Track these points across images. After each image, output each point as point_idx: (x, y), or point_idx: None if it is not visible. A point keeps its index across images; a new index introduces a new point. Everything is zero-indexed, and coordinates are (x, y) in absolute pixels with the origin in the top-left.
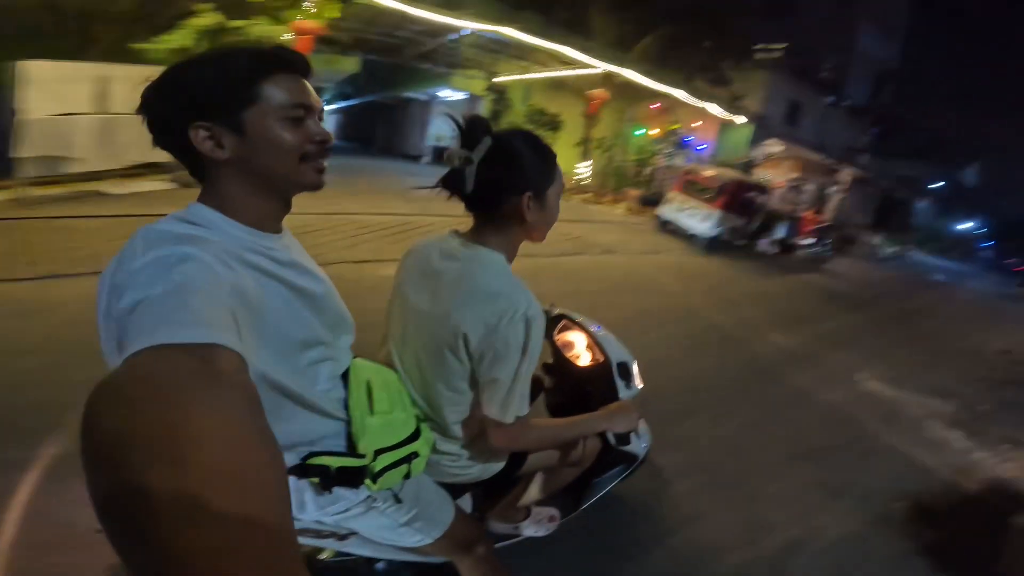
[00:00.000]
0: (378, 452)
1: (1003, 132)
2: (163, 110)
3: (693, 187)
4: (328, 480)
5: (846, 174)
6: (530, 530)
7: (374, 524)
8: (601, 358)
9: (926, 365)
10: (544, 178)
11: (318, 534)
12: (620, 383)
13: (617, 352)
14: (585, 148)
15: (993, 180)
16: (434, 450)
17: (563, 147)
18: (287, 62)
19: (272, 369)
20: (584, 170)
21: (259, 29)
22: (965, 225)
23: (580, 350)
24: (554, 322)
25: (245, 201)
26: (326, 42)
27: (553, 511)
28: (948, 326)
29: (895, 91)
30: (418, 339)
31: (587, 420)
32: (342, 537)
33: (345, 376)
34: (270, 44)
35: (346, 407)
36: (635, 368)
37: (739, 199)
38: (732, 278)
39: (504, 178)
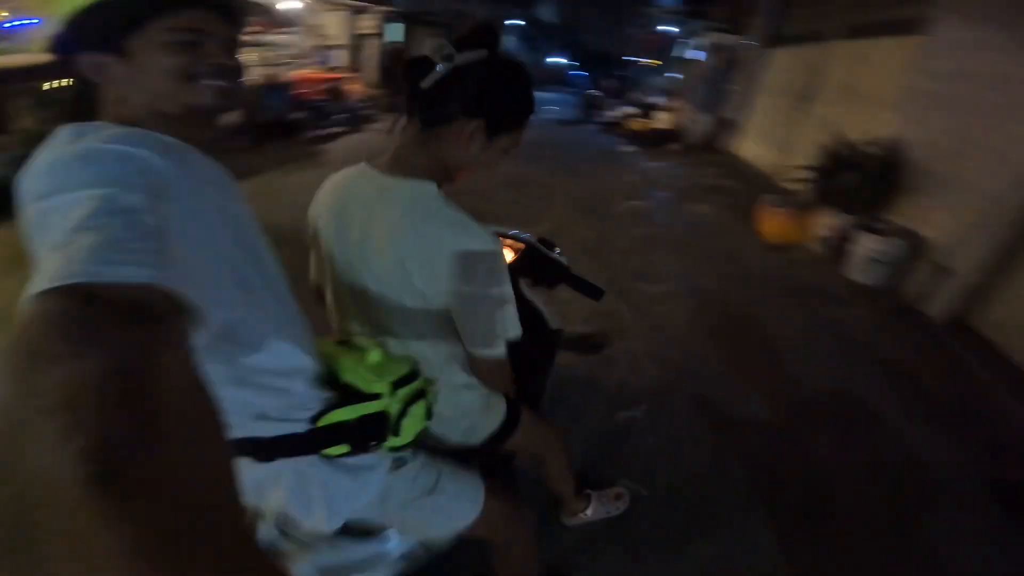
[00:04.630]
0: (395, 385)
1: None
2: (62, 40)
3: None
4: (355, 438)
5: (367, 19)
6: (600, 513)
7: (400, 500)
8: (521, 245)
9: None
10: (506, 119)
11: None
12: (552, 253)
13: (525, 234)
14: None
15: (572, 16)
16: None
17: None
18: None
19: (241, 262)
20: None
21: None
22: (556, 59)
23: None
24: None
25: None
26: None
27: (619, 489)
28: None
29: None
30: (370, 282)
31: None
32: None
33: None
34: None
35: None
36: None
37: None
38: None
39: (468, 94)
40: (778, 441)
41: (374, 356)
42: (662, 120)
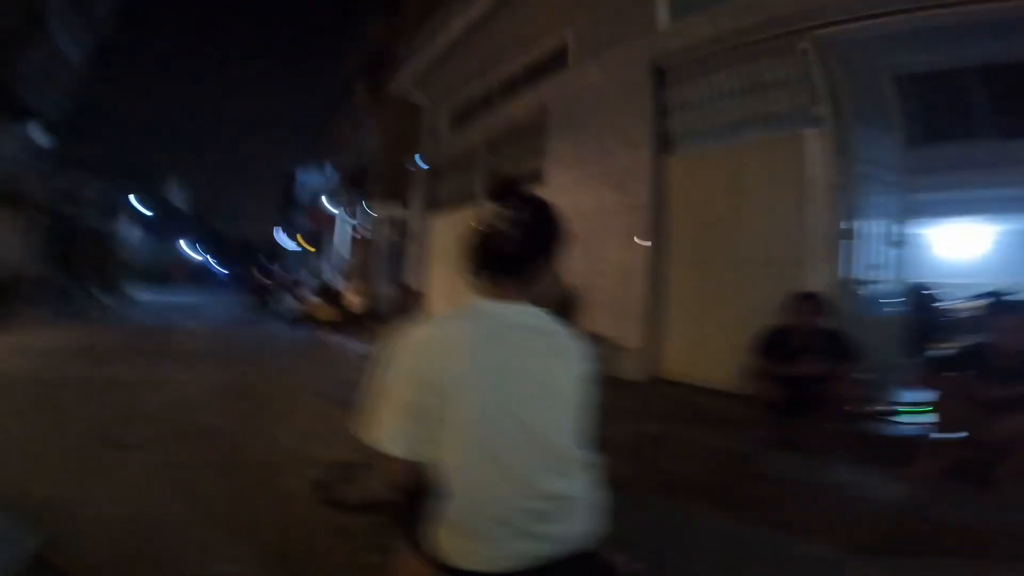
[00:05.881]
0: None
1: (210, 156)
2: None
3: None
4: None
5: None
6: None
7: None
8: None
9: None
10: (562, 243)
11: None
12: None
13: None
14: None
15: (206, 203)
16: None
17: None
18: None
19: None
20: None
21: None
22: (197, 254)
23: None
24: None
25: None
26: None
27: None
28: None
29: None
30: (562, 398)
31: None
32: None
33: None
34: None
35: None
36: None
37: None
38: None
39: (543, 240)
40: None
41: None
42: (353, 303)
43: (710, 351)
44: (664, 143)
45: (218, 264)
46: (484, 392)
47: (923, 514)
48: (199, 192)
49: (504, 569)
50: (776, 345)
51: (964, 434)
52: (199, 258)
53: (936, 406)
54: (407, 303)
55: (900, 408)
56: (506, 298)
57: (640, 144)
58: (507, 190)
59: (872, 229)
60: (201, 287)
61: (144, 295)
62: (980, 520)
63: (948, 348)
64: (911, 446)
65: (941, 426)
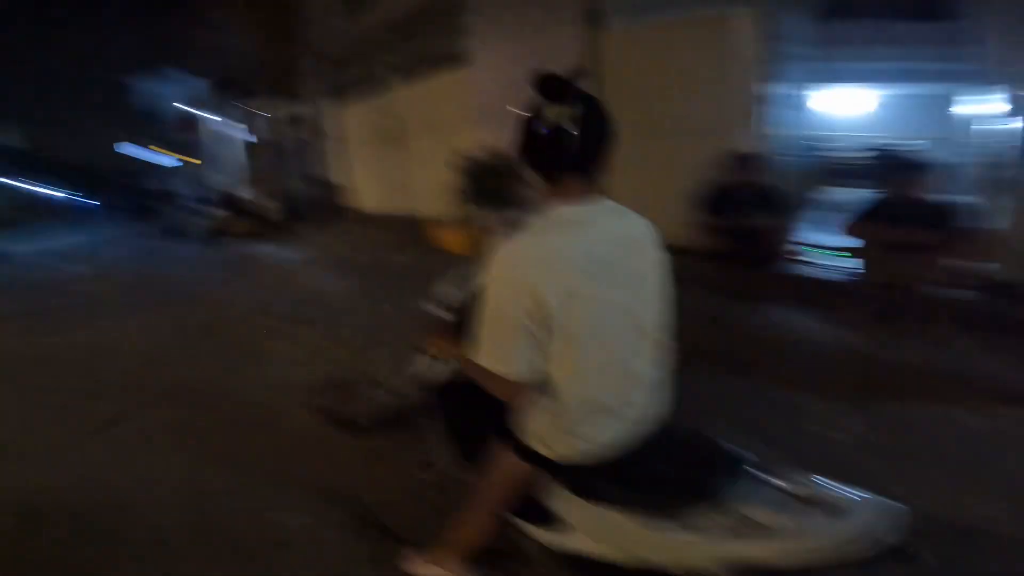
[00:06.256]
0: None
1: (33, 86)
2: None
3: None
4: None
5: None
6: None
7: None
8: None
9: None
10: (616, 134)
11: None
12: None
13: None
14: None
15: (42, 135)
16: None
17: None
18: None
19: None
20: None
21: None
22: (42, 188)
23: None
24: None
25: None
26: None
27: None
28: None
29: None
30: (650, 285)
31: None
32: None
33: None
34: None
35: None
36: None
37: None
38: None
39: (604, 134)
40: None
41: None
42: (265, 208)
43: (650, 214)
44: (595, 18)
45: (82, 195)
46: (592, 297)
47: (874, 358)
48: (31, 126)
49: (602, 456)
50: (719, 201)
51: (885, 278)
52: (55, 194)
53: (860, 252)
54: (329, 198)
55: (826, 255)
56: (574, 196)
57: (570, 19)
58: (563, 89)
59: (786, 96)
60: (72, 224)
61: (7, 246)
62: (925, 363)
63: (855, 197)
64: (842, 291)
65: (866, 271)
